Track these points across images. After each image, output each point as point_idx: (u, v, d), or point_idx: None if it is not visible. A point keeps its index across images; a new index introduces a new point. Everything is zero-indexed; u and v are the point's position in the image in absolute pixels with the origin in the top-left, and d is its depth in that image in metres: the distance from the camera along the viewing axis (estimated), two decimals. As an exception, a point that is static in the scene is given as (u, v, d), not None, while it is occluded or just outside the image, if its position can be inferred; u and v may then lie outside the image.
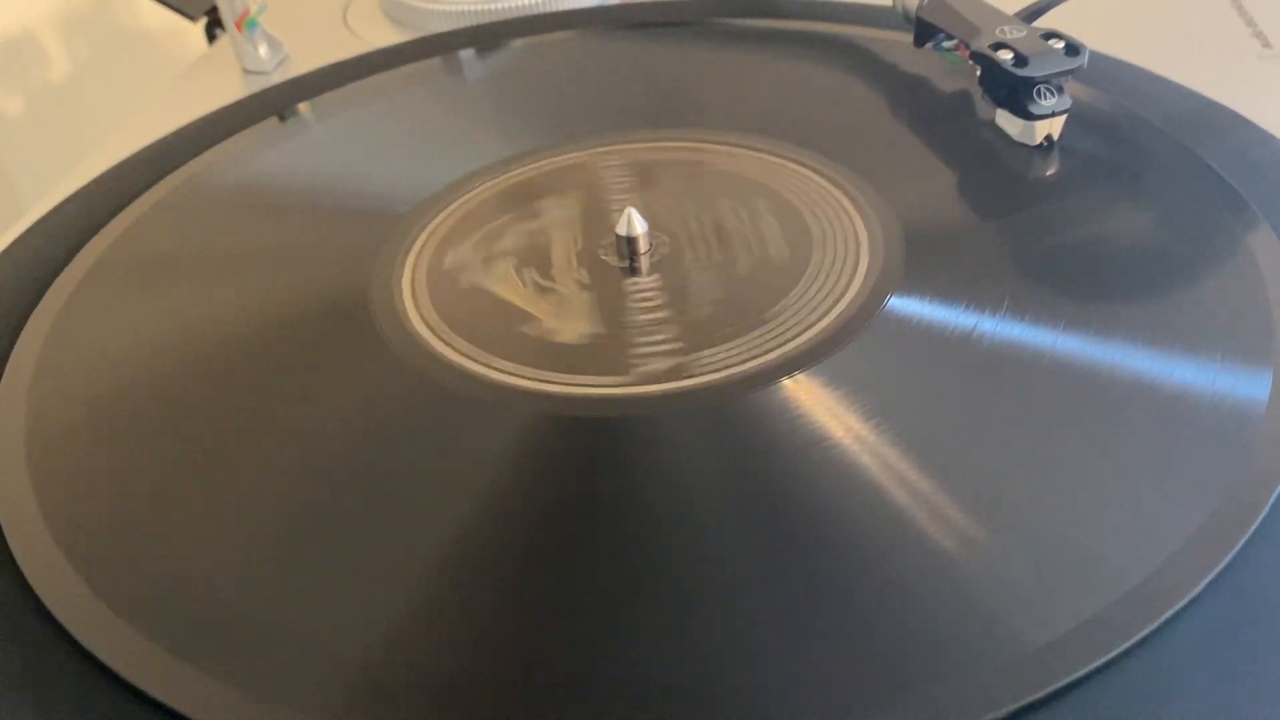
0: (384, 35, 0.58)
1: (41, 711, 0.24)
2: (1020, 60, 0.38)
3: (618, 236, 0.36)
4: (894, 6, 0.46)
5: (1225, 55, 0.47)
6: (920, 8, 0.44)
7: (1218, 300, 0.32)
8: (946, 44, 0.44)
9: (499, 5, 0.56)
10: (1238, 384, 0.28)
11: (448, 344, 0.33)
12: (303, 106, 0.48)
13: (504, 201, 0.40)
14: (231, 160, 0.44)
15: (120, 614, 0.26)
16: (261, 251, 0.39)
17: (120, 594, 0.26)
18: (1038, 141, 0.39)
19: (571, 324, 0.33)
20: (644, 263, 0.35)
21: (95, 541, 0.28)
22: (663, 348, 0.32)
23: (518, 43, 0.52)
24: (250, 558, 0.27)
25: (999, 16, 0.40)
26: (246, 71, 0.56)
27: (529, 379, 0.31)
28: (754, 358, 0.31)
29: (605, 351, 0.32)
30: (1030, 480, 0.27)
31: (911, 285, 0.33)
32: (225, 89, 0.54)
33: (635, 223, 0.35)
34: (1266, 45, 0.47)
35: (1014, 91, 0.39)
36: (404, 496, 0.28)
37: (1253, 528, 0.25)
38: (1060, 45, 0.38)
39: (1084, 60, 0.38)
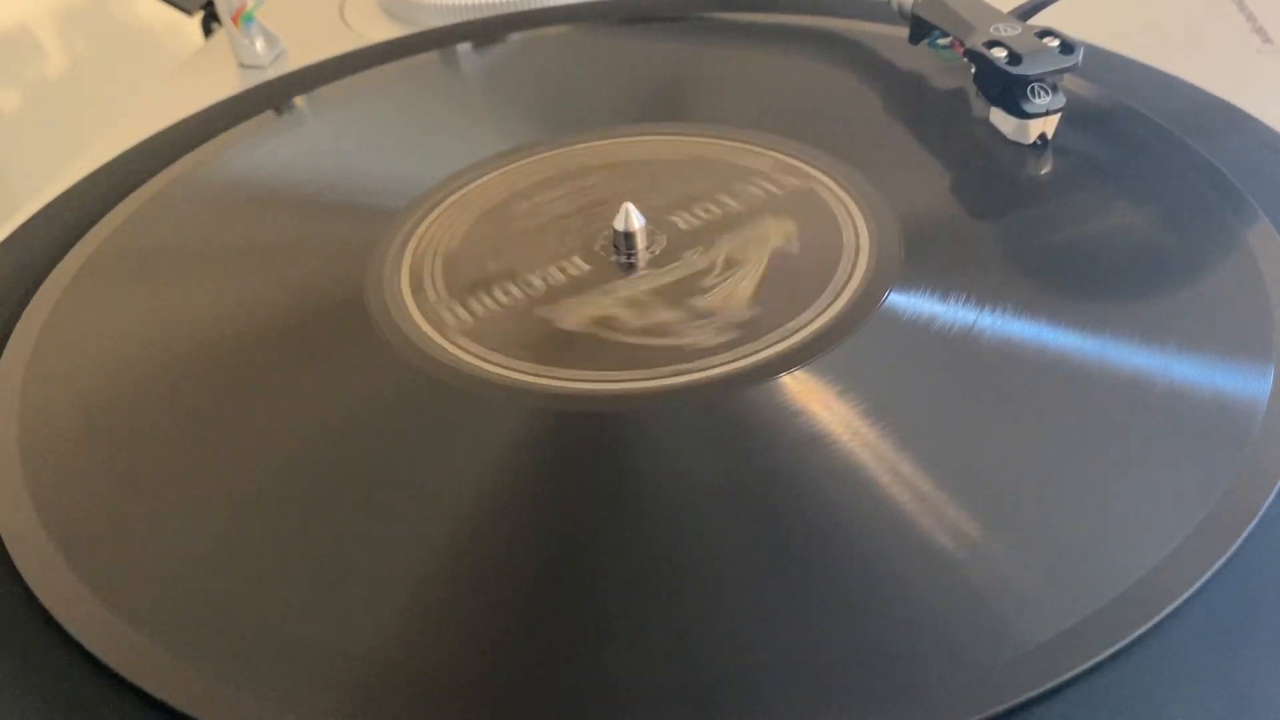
0: (380, 30, 0.58)
1: (37, 709, 0.24)
2: (1014, 58, 0.38)
3: (616, 232, 0.36)
4: (890, 3, 0.46)
5: (1225, 50, 0.47)
6: (916, 5, 0.44)
7: (1217, 296, 0.32)
8: (942, 41, 0.44)
9: None
10: (1237, 381, 0.28)
11: (445, 338, 0.33)
12: (299, 101, 0.48)
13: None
14: (227, 155, 0.44)
15: (118, 612, 0.26)
16: (257, 246, 0.39)
17: (117, 591, 0.26)
18: (1031, 140, 0.39)
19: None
20: (642, 258, 0.35)
21: (91, 539, 0.28)
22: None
23: (515, 37, 0.52)
24: (248, 555, 0.27)
25: (994, 14, 0.40)
26: (243, 66, 0.56)
27: (527, 374, 0.31)
28: (753, 353, 0.31)
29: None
30: (1028, 477, 0.27)
31: (910, 281, 0.33)
32: (221, 84, 0.54)
33: (633, 218, 0.35)
34: (1266, 40, 0.47)
35: (1008, 90, 0.38)
36: (402, 493, 0.28)
37: (1251, 526, 0.25)
38: (1055, 43, 0.38)
39: (1078, 59, 0.38)
